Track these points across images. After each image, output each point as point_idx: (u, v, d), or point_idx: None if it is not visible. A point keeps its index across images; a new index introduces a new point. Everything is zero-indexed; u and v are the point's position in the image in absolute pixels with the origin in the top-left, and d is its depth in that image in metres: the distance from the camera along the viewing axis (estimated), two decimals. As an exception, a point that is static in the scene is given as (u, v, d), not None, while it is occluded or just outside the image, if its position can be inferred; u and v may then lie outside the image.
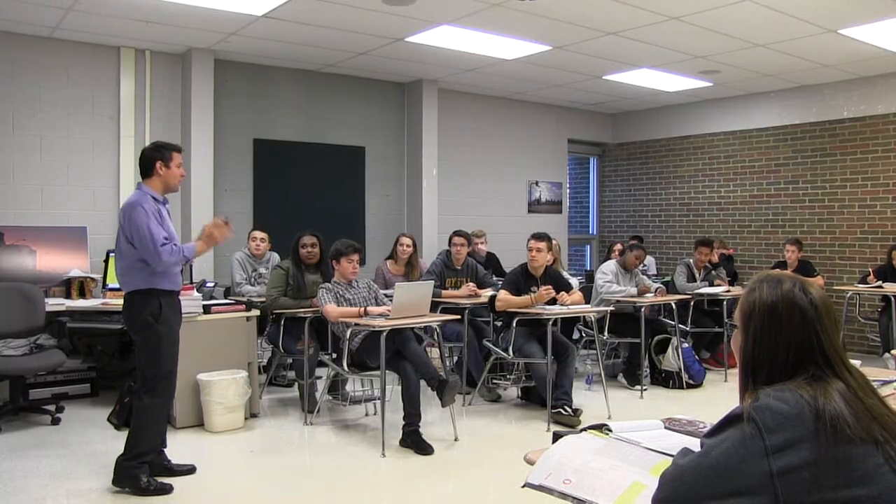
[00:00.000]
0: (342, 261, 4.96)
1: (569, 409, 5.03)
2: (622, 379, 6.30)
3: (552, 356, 5.09)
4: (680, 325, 6.26)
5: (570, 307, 5.26)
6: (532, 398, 5.58)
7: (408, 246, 6.28)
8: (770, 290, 1.41)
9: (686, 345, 6.26)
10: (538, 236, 5.47)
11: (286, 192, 7.22)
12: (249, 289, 5.90)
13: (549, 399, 5.02)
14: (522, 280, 5.38)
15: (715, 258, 7.30)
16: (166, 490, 3.64)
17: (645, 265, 7.57)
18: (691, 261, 6.98)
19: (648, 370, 6.25)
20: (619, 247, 7.60)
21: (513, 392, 5.82)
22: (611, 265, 6.37)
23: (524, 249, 5.52)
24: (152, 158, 3.73)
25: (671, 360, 6.16)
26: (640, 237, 8.94)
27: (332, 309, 4.76)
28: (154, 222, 3.59)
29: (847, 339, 7.52)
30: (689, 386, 6.12)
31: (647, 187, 9.67)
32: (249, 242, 6.13)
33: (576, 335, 6.53)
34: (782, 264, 7.38)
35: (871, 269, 7.03)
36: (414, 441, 4.42)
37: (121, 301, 5.39)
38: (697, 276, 6.93)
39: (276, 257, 6.09)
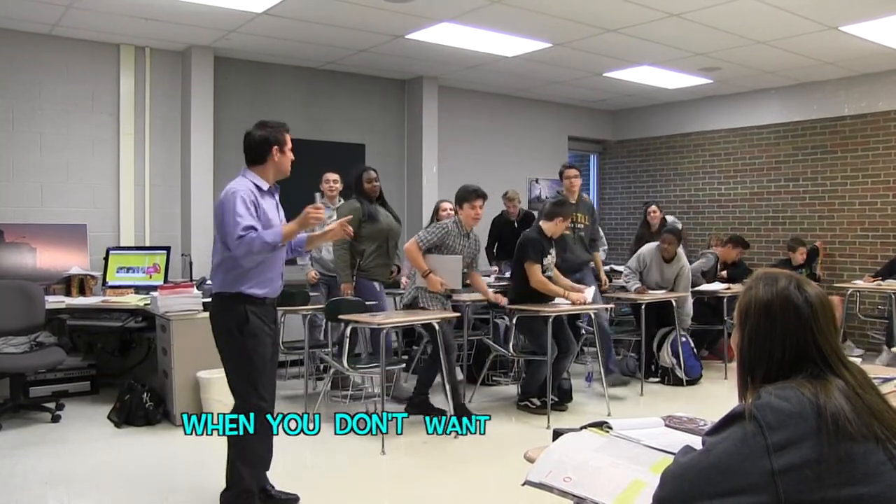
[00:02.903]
0: (465, 206, 4.92)
1: (536, 402, 5.18)
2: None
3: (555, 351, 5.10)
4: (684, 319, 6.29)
5: (575, 306, 5.21)
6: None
7: (445, 211, 6.21)
8: (765, 289, 1.41)
9: (684, 339, 6.25)
10: (571, 211, 5.53)
11: (286, 189, 7.17)
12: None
13: (549, 395, 5.02)
14: (546, 244, 5.28)
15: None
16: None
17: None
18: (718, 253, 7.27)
19: (644, 365, 6.20)
20: (653, 209, 7.47)
21: (513, 389, 5.82)
22: (648, 251, 6.38)
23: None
24: (267, 143, 3.24)
25: (665, 356, 6.16)
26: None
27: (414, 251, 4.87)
28: (244, 209, 3.09)
29: (848, 336, 7.51)
30: (687, 383, 6.12)
31: (647, 185, 9.66)
32: (323, 185, 6.06)
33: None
34: (786, 262, 7.32)
35: (868, 278, 7.04)
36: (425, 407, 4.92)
37: (120, 298, 5.46)
38: (718, 269, 7.23)
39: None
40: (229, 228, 3.07)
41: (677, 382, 6.12)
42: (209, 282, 5.89)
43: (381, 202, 5.64)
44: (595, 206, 6.22)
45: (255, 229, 3.09)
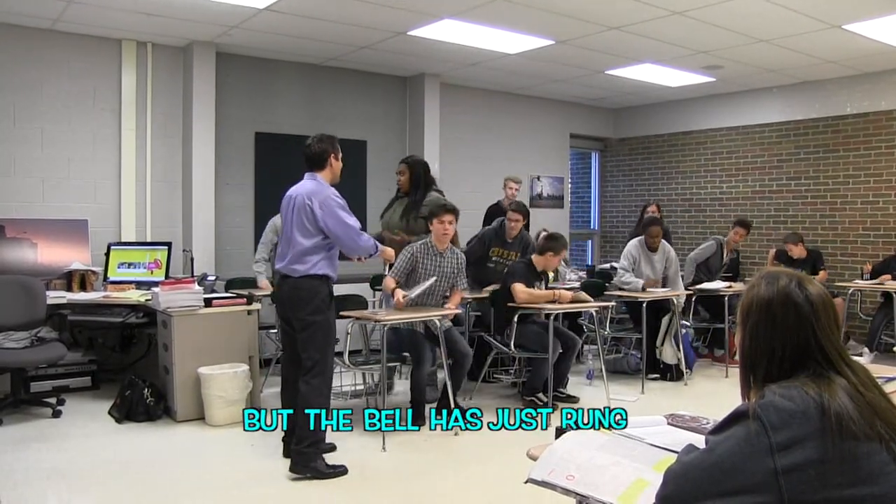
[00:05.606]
0: (434, 222, 4.82)
1: (543, 398, 5.17)
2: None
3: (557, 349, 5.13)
4: (684, 322, 6.27)
5: (571, 305, 5.24)
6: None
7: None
8: (767, 287, 1.41)
9: (685, 331, 6.24)
10: (562, 248, 5.41)
11: (287, 185, 7.14)
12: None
13: (550, 392, 5.03)
14: (532, 274, 5.36)
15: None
16: (343, 472, 3.79)
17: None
18: (724, 239, 7.20)
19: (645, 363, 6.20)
20: (652, 208, 7.57)
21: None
22: (633, 245, 6.34)
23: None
24: (326, 151, 3.88)
25: (668, 352, 6.15)
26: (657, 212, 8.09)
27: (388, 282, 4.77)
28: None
29: (850, 336, 7.50)
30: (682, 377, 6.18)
31: (648, 182, 9.65)
32: None
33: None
34: (783, 255, 7.36)
35: (868, 266, 7.03)
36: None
37: (121, 294, 5.46)
38: (725, 255, 7.05)
39: None
40: (350, 230, 3.78)
41: (679, 378, 6.12)
42: (210, 277, 5.94)
43: (408, 196, 5.39)
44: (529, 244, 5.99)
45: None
